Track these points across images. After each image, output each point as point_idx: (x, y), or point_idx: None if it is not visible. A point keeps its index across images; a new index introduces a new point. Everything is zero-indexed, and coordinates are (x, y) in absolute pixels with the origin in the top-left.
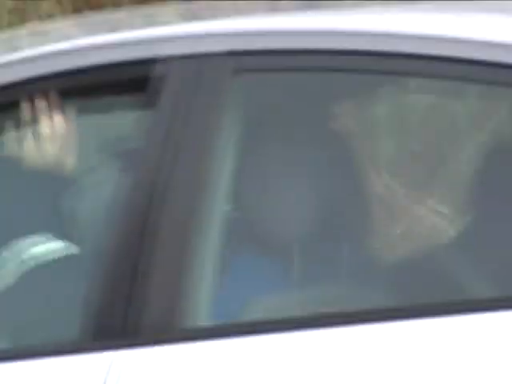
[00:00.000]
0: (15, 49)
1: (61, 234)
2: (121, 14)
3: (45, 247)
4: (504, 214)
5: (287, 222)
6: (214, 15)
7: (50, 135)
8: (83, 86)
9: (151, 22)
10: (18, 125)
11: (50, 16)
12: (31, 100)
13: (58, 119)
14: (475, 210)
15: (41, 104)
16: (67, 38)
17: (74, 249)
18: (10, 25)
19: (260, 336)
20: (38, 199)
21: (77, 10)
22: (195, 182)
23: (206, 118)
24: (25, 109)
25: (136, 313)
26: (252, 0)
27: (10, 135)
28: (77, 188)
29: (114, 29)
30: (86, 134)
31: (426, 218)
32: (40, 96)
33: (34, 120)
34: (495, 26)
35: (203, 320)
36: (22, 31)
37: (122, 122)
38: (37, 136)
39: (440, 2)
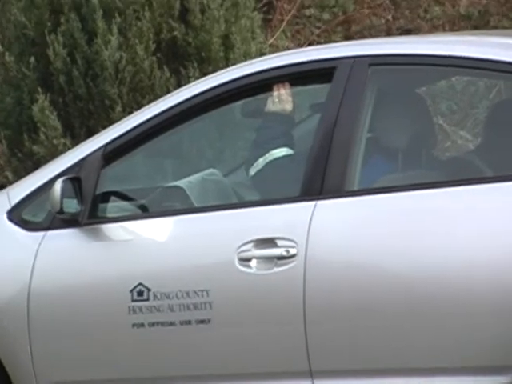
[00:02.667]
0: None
1: (289, 145)
2: None
3: (283, 151)
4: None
5: (393, 141)
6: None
7: (284, 98)
8: (300, 73)
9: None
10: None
11: None
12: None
13: (289, 91)
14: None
15: (280, 82)
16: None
17: (294, 151)
18: None
19: (379, 195)
20: (281, 130)
21: None
22: (353, 120)
23: (357, 89)
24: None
25: (324, 180)
26: None
27: (267, 98)
28: (296, 124)
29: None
30: (298, 100)
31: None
32: (280, 79)
33: (278, 91)
34: None
35: (357, 185)
36: None
37: (320, 93)
38: (278, 99)
39: None
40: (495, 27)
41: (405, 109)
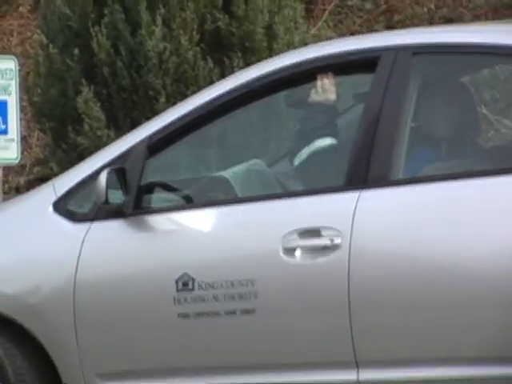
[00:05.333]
0: None
1: (333, 135)
2: None
3: (327, 141)
4: None
5: (438, 130)
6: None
7: (328, 88)
8: (343, 63)
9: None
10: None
11: None
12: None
13: (332, 81)
14: None
15: (324, 72)
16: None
17: (338, 141)
18: None
19: (423, 185)
20: (325, 120)
21: None
22: (397, 109)
23: (401, 78)
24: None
25: (369, 170)
26: None
27: (311, 88)
28: (340, 114)
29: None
30: (342, 90)
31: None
32: (324, 69)
33: (321, 80)
34: None
35: (402, 175)
36: None
37: (363, 83)
38: (321, 88)
39: None
40: None
41: (448, 98)
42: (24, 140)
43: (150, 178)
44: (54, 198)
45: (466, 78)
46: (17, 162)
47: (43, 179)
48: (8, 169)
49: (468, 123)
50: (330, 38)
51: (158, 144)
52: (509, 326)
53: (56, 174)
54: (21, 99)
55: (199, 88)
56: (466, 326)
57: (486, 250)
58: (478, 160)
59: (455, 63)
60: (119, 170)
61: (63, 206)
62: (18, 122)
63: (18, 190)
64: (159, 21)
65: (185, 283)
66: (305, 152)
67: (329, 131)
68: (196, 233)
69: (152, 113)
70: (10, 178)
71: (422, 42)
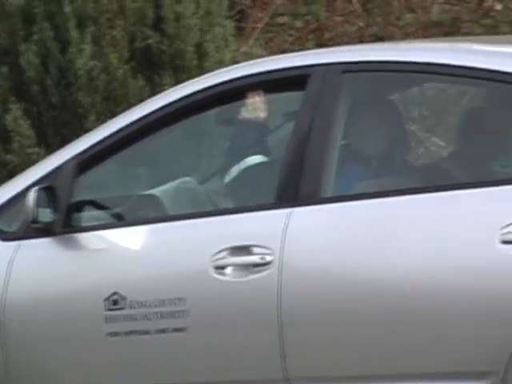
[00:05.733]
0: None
1: (264, 152)
2: None
3: (257, 158)
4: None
5: (368, 148)
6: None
7: (258, 106)
8: (274, 81)
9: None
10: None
11: None
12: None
13: (263, 99)
14: (454, 144)
15: (254, 90)
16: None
17: (268, 158)
18: None
19: (354, 202)
20: (256, 137)
21: None
22: (327, 127)
23: (331, 96)
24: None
25: (299, 187)
26: None
27: (241, 105)
28: (271, 131)
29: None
30: (272, 108)
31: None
32: (254, 87)
33: (252, 98)
34: None
35: (332, 192)
36: None
37: (293, 101)
38: (252, 106)
39: None
40: (467, 34)
41: (378, 116)
42: None
43: (79, 195)
44: None
45: (395, 96)
46: None
47: None
48: None
49: (397, 141)
50: (260, 56)
51: (87, 162)
52: (432, 342)
53: None
54: None
55: (129, 106)
56: (393, 344)
57: (415, 267)
58: (408, 177)
59: (384, 81)
60: (48, 188)
61: None
62: None
63: None
64: (88, 38)
65: (115, 302)
66: (235, 169)
67: (259, 149)
68: (126, 251)
69: (82, 130)
70: None
71: (351, 60)
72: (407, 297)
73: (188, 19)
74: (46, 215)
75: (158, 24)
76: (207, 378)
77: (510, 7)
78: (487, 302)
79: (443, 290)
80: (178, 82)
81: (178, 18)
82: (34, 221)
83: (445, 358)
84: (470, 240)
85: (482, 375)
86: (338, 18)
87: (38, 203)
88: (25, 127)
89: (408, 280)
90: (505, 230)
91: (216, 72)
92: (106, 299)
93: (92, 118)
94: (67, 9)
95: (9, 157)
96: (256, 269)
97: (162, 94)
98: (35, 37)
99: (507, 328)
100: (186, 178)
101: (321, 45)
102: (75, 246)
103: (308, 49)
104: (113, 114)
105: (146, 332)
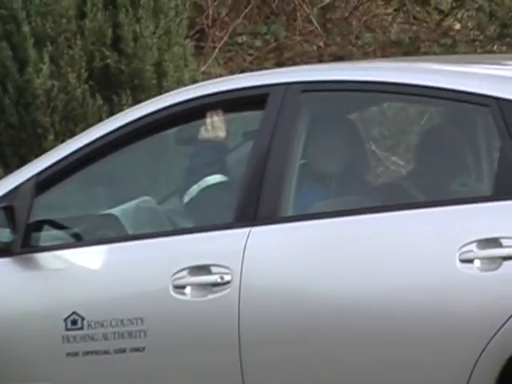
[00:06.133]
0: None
1: (223, 172)
2: None
3: (216, 178)
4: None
5: (327, 167)
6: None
7: (217, 125)
8: (233, 100)
9: None
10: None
11: None
12: (210, 108)
13: (222, 118)
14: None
15: (213, 109)
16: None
17: (227, 178)
18: None
19: (313, 221)
20: (215, 157)
21: None
22: (286, 146)
23: (290, 115)
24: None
25: (258, 206)
26: None
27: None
28: (230, 151)
29: None
30: (232, 127)
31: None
32: (213, 106)
33: (211, 118)
34: None
35: (291, 211)
36: None
37: (253, 120)
38: (211, 126)
39: None
40: (426, 53)
41: (337, 135)
42: None
43: (38, 215)
44: None
45: (354, 116)
46: None
47: None
48: None
49: (357, 160)
50: (220, 76)
51: (46, 181)
52: (392, 361)
53: None
54: None
55: (88, 125)
56: (352, 362)
57: (373, 286)
58: (367, 196)
59: (343, 100)
60: (7, 207)
61: None
62: None
63: None
64: (47, 58)
65: (74, 322)
66: (194, 189)
67: (219, 168)
68: (85, 271)
69: (40, 150)
70: None
71: (310, 80)
72: (367, 315)
73: (147, 39)
74: (5, 235)
75: (116, 43)
76: None
77: (469, 27)
78: (447, 319)
79: (404, 309)
80: (136, 101)
81: (136, 37)
82: None
83: (405, 378)
84: (430, 258)
85: None
86: (298, 38)
87: None
88: None
89: (368, 299)
90: (464, 249)
91: (175, 91)
92: (65, 319)
93: (51, 137)
94: (25, 28)
95: None
96: (215, 288)
97: (121, 113)
98: None
99: (467, 346)
100: (146, 198)
101: (280, 64)
102: (34, 265)
103: (267, 68)
104: (72, 133)
105: (106, 352)
